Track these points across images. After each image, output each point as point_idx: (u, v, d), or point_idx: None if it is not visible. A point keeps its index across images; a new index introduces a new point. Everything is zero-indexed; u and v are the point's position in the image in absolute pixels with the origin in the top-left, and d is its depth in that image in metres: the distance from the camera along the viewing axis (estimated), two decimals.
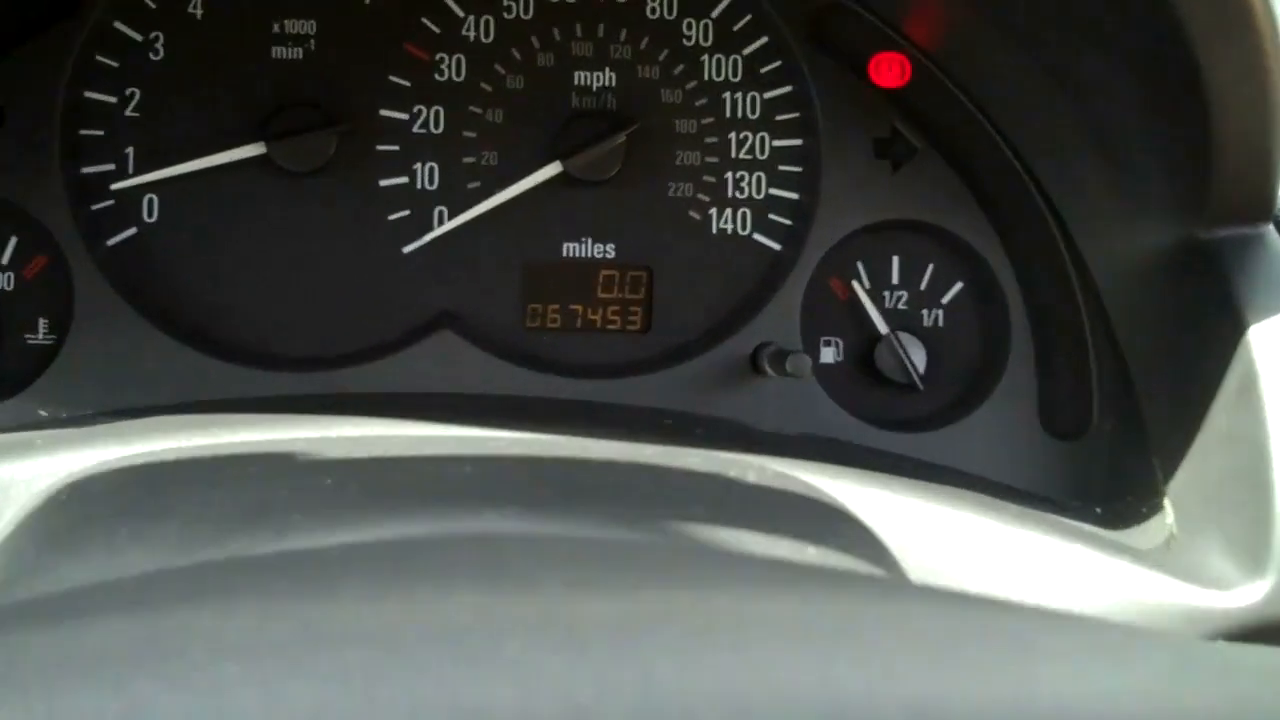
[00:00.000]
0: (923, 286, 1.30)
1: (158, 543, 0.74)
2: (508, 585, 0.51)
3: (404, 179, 1.26)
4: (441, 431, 1.02)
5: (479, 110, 1.26)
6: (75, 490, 0.88)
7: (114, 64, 1.25)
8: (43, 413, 1.15)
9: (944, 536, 0.95)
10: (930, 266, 1.30)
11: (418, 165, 1.26)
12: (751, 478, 0.92)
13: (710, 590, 0.50)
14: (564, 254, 1.29)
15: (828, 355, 1.30)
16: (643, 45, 1.28)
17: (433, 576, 0.52)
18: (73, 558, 0.77)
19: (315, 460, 0.91)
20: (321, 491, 0.81)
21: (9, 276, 1.23)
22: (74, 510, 0.86)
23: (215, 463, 0.91)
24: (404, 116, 1.25)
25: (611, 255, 1.30)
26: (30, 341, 1.23)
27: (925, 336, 1.28)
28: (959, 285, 1.30)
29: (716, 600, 0.48)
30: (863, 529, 0.91)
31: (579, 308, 1.30)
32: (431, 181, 1.26)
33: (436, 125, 1.26)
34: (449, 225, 1.26)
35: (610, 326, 1.30)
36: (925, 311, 1.30)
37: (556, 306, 1.30)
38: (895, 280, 1.30)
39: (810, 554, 0.79)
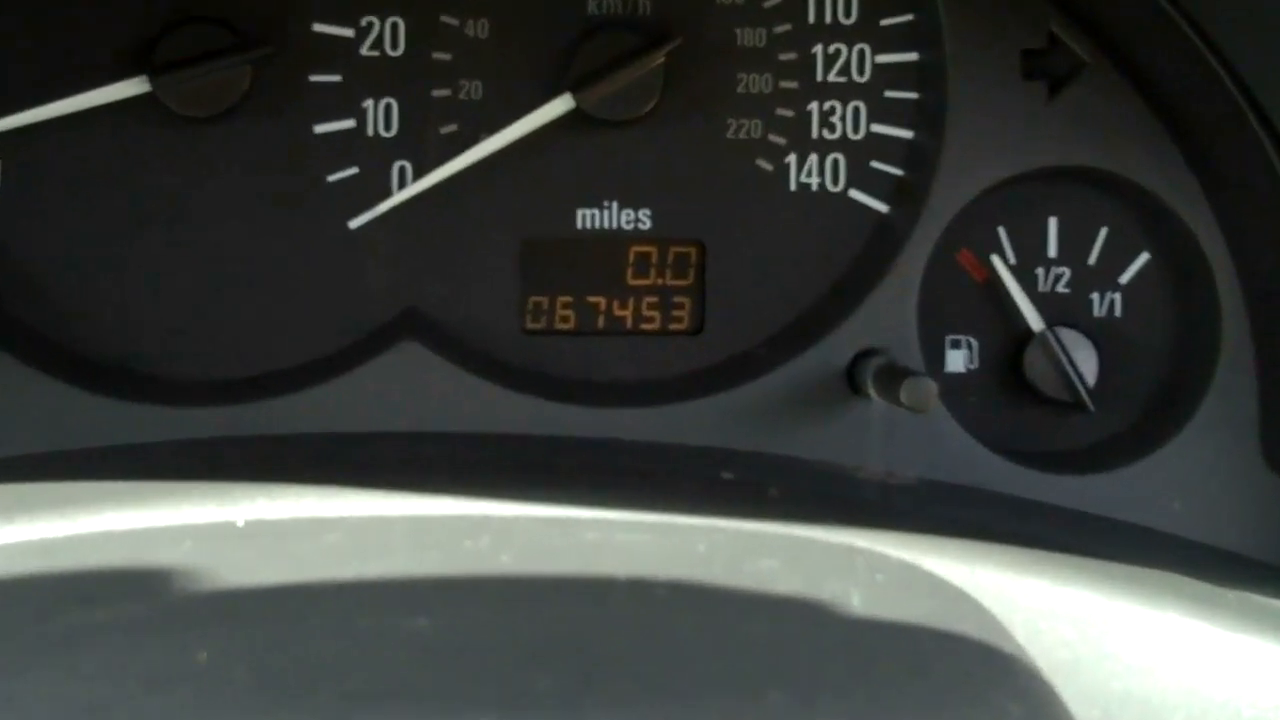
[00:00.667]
0: (1092, 261, 1.07)
1: None
2: None
3: (349, 122, 1.03)
4: (397, 507, 0.82)
5: (455, 21, 1.04)
6: None
7: None
8: None
9: (1142, 658, 0.76)
10: (1103, 232, 1.07)
11: (368, 103, 1.02)
12: (856, 603, 0.73)
13: None
14: (579, 225, 1.06)
15: (956, 362, 1.07)
16: None
17: None
18: None
19: (196, 596, 0.70)
20: (191, 679, 0.61)
21: None
22: None
23: (49, 597, 0.70)
24: (348, 33, 1.02)
25: (647, 225, 1.06)
26: None
27: (1096, 333, 1.07)
28: (1144, 258, 1.07)
29: None
30: (1028, 680, 0.70)
31: (600, 301, 1.08)
32: (388, 126, 1.03)
33: (394, 45, 1.03)
34: (414, 188, 1.03)
35: (646, 327, 1.08)
36: (1096, 296, 1.07)
37: (569, 300, 1.08)
38: (1053, 253, 1.07)
39: None
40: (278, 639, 0.64)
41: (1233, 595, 0.81)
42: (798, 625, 0.70)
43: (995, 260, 1.06)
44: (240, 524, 0.79)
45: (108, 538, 0.75)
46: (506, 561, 0.72)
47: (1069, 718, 0.69)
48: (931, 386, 0.92)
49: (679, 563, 0.73)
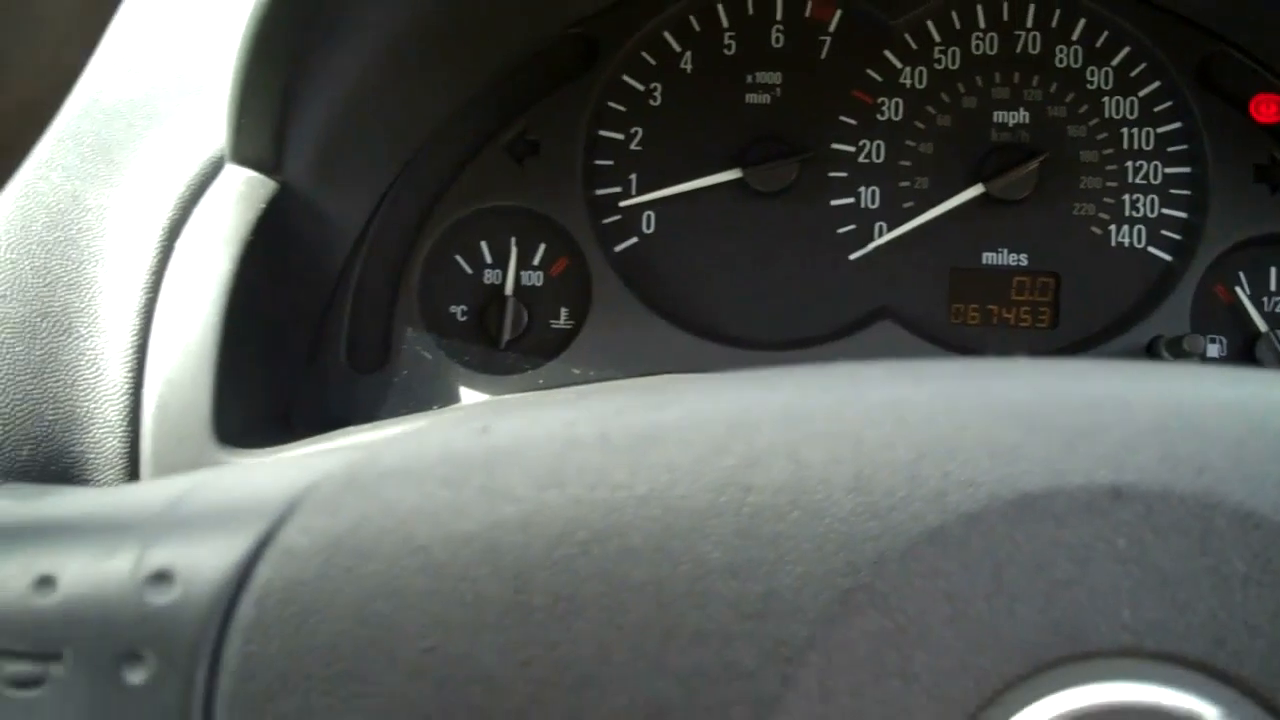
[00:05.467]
0: None
1: None
2: None
3: (851, 200, 1.73)
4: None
5: (913, 143, 1.73)
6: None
7: (622, 109, 1.87)
8: (575, 370, 1.74)
9: None
10: None
11: (862, 188, 1.73)
12: None
13: None
14: (983, 262, 1.72)
15: (1213, 351, 1.69)
16: (1052, 89, 1.82)
17: None
18: None
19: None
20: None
21: (539, 274, 1.87)
22: None
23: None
24: (851, 149, 1.74)
25: (1024, 264, 1.71)
26: (554, 326, 1.79)
27: None
28: None
29: None
30: None
31: (995, 308, 1.70)
32: (874, 202, 1.73)
33: (878, 156, 1.73)
34: (887, 236, 1.73)
35: (1022, 324, 1.70)
36: None
37: (976, 306, 1.71)
38: (1274, 287, 1.71)
39: None
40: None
41: None
42: None
43: (1237, 290, 1.65)
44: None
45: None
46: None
47: None
48: (1200, 339, 1.56)
49: None
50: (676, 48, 1.88)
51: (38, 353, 1.35)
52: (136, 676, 0.55)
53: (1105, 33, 1.84)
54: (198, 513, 0.59)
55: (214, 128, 1.54)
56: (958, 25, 1.87)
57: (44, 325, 1.37)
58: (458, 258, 1.88)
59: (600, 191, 1.78)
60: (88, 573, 0.57)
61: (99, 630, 0.56)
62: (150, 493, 0.61)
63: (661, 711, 0.49)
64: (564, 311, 1.85)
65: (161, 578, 0.57)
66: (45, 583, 0.58)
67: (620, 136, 1.80)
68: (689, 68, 1.87)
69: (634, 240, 1.78)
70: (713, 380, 0.60)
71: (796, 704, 0.49)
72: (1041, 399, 0.53)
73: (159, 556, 0.57)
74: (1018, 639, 0.49)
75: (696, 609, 0.49)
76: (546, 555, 0.51)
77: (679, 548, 0.50)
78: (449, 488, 0.54)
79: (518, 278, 1.86)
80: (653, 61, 1.88)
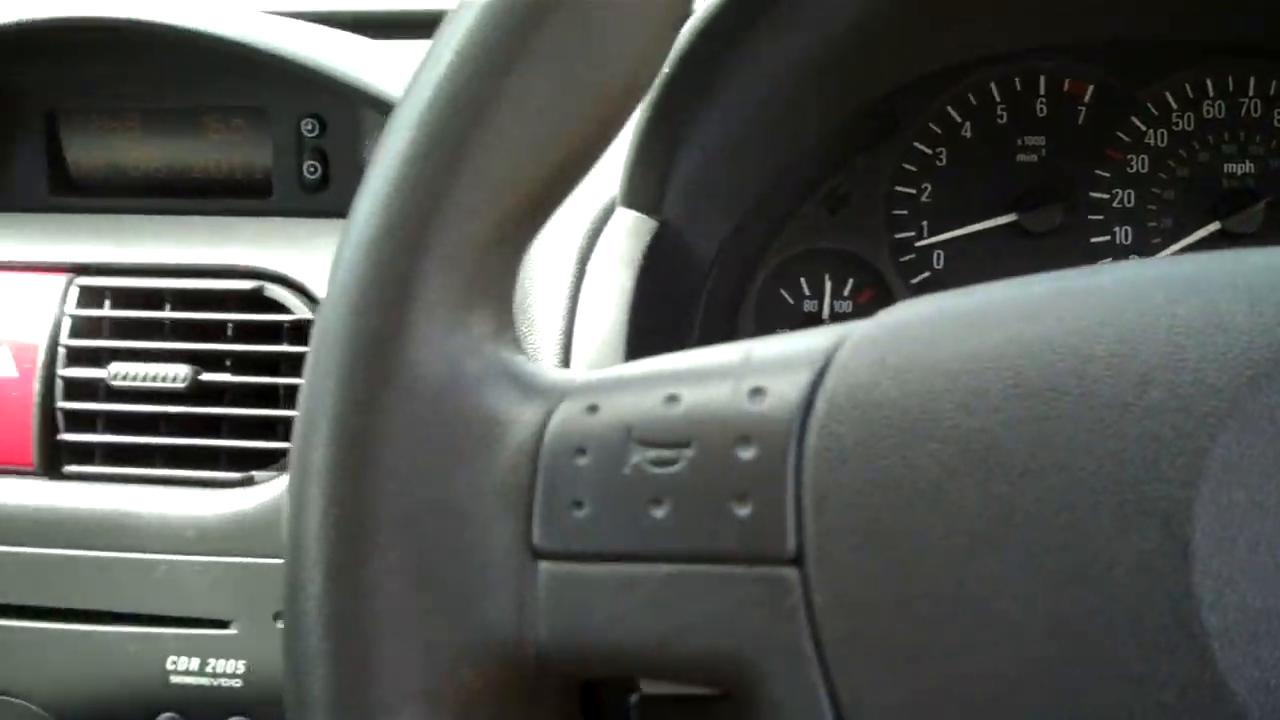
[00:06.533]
0: None
1: None
2: None
3: (1107, 238, 1.82)
4: None
5: (1157, 191, 1.80)
6: None
7: (914, 169, 2.10)
8: None
9: None
10: None
11: (1117, 228, 1.81)
12: None
13: None
14: None
15: None
16: (1273, 144, 2.03)
17: None
18: None
19: None
20: None
21: (849, 303, 2.12)
22: None
23: None
24: (1106, 197, 1.82)
25: None
26: None
27: None
28: None
29: None
30: None
31: None
32: (1127, 239, 1.81)
33: (1129, 203, 1.81)
34: (1163, 253, 1.79)
35: None
36: None
37: None
38: None
39: None
40: None
41: None
42: None
43: None
44: None
45: None
46: None
47: None
48: None
49: None
50: (958, 119, 2.12)
51: None
52: (747, 454, 0.66)
53: None
54: (767, 356, 0.72)
55: (606, 177, 1.87)
56: (1191, 95, 2.07)
57: None
58: (782, 291, 2.13)
59: (899, 235, 1.87)
60: (701, 393, 0.70)
61: (717, 425, 0.68)
62: (720, 350, 0.75)
63: (1123, 465, 0.59)
64: None
65: (757, 392, 0.68)
66: (672, 399, 0.70)
67: (914, 191, 2.03)
68: (969, 135, 2.10)
69: (927, 274, 1.87)
70: (1122, 263, 0.72)
71: (1219, 453, 0.58)
72: None
73: (751, 380, 0.69)
74: None
75: (1143, 393, 0.60)
76: (1034, 360, 0.63)
77: (1128, 352, 0.62)
78: (953, 320, 0.68)
79: (831, 306, 2.10)
80: (939, 131, 2.11)
